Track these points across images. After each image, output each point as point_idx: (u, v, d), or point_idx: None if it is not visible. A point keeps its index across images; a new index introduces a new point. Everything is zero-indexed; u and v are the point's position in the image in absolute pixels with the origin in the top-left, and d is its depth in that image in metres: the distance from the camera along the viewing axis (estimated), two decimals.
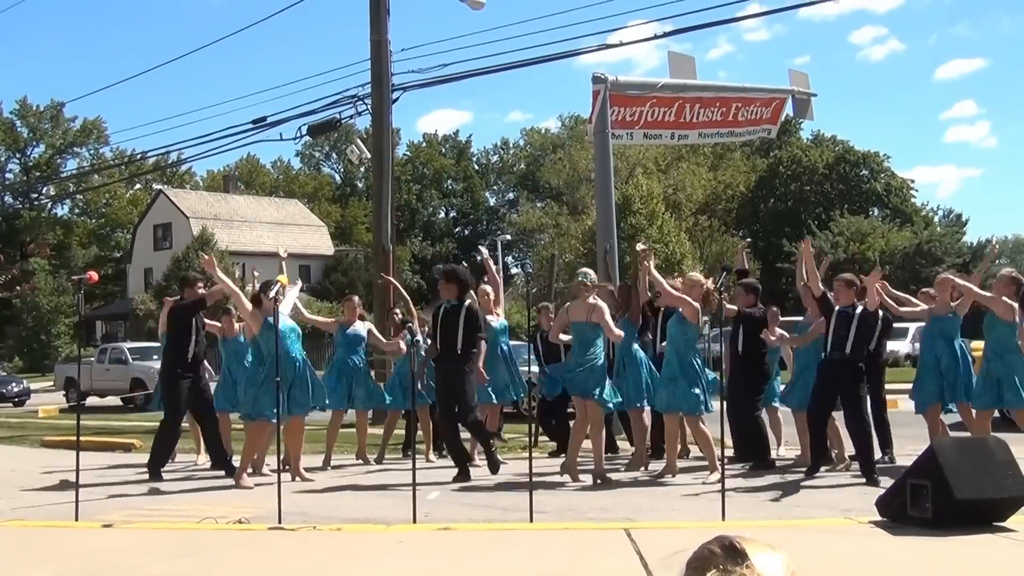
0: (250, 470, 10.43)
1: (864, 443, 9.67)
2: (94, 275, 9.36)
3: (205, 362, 11.54)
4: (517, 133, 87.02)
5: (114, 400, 25.91)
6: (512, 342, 13.17)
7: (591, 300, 9.86)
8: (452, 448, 10.65)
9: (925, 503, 7.04)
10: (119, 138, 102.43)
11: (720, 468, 8.34)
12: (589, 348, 9.84)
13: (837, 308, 9.82)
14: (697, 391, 10.00)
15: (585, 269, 10.80)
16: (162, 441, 11.10)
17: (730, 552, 1.63)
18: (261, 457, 10.93)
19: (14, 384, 32.08)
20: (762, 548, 1.63)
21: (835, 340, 9.73)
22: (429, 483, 9.84)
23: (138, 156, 45.94)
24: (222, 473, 10.88)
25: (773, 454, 11.10)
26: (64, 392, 28.69)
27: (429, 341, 10.92)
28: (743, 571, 1.57)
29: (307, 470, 10.72)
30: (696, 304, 10.05)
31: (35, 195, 69.45)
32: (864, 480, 9.52)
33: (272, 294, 8.74)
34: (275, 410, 9.19)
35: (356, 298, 12.60)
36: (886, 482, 8.58)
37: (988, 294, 10.08)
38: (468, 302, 10.50)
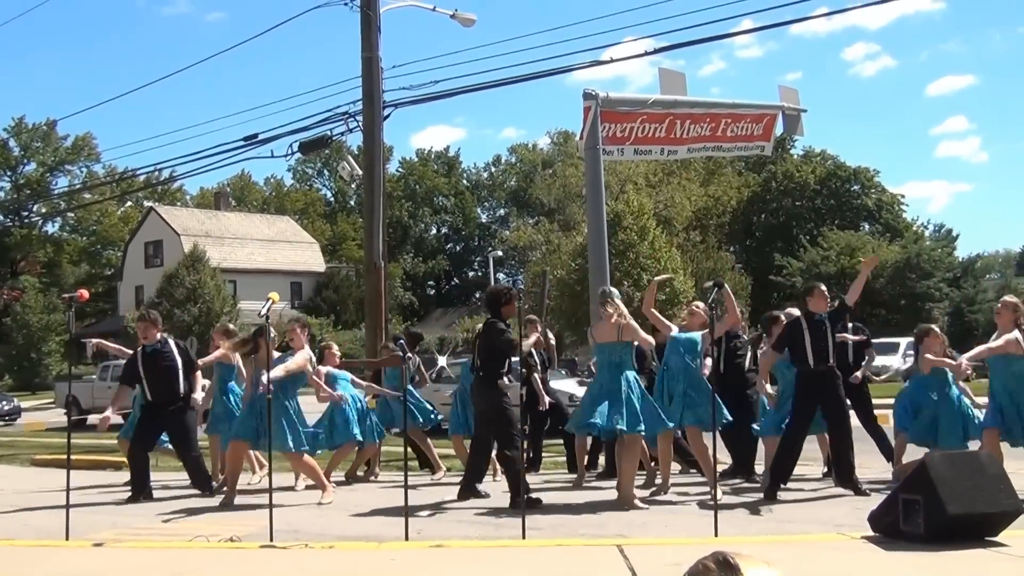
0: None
1: (848, 452, 9.71)
2: (85, 293, 9.35)
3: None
4: (510, 150, 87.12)
5: (116, 419, 25.73)
6: None
7: (615, 319, 9.51)
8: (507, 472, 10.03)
9: (917, 518, 7.04)
10: (110, 155, 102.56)
11: (713, 484, 8.34)
12: (619, 370, 9.46)
13: (815, 318, 9.80)
14: (701, 407, 9.97)
15: (609, 288, 10.72)
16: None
17: (724, 567, 1.64)
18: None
19: (4, 402, 32.01)
20: (757, 564, 1.64)
21: (817, 352, 9.71)
22: (422, 503, 9.85)
23: (129, 174, 45.92)
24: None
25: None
26: (66, 410, 28.45)
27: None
28: None
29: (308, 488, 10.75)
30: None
31: (26, 213, 69.32)
32: (852, 492, 9.56)
33: (263, 312, 8.72)
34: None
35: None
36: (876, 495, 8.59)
37: (998, 343, 9.63)
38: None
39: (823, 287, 10.20)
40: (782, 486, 9.83)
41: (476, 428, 10.42)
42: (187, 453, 11.17)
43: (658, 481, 10.44)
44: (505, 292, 10.19)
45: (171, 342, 11.27)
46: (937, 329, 10.99)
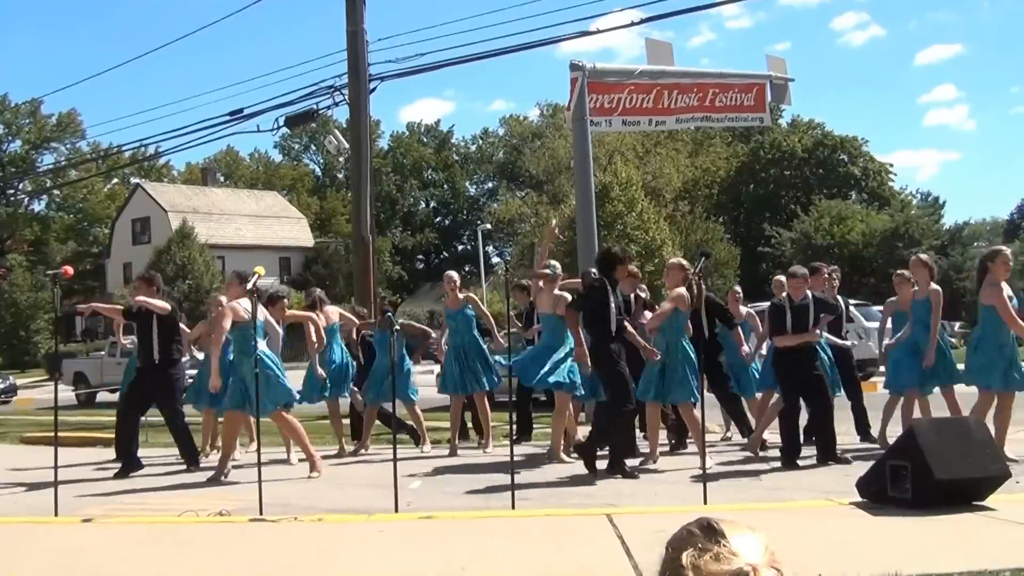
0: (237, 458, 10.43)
1: (827, 427, 9.82)
2: (69, 269, 9.30)
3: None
4: (500, 123, 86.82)
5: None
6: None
7: (556, 292, 10.29)
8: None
9: (905, 484, 7.07)
10: (95, 132, 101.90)
11: (702, 454, 8.36)
12: (558, 336, 10.16)
13: (797, 303, 9.80)
14: (690, 379, 9.98)
15: (552, 262, 10.84)
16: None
17: (708, 532, 1.64)
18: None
19: None
20: (740, 529, 1.65)
21: (797, 332, 9.73)
22: (411, 473, 9.86)
23: (115, 150, 45.68)
24: (204, 466, 10.88)
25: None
26: (73, 387, 28.28)
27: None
28: (719, 550, 1.58)
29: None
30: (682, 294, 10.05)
31: (11, 191, 68.95)
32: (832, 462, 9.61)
33: (249, 285, 8.69)
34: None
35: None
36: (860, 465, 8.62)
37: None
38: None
39: (803, 271, 10.24)
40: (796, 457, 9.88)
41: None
42: (171, 418, 11.17)
43: (645, 451, 10.47)
44: (620, 252, 10.27)
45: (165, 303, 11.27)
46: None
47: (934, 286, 10.37)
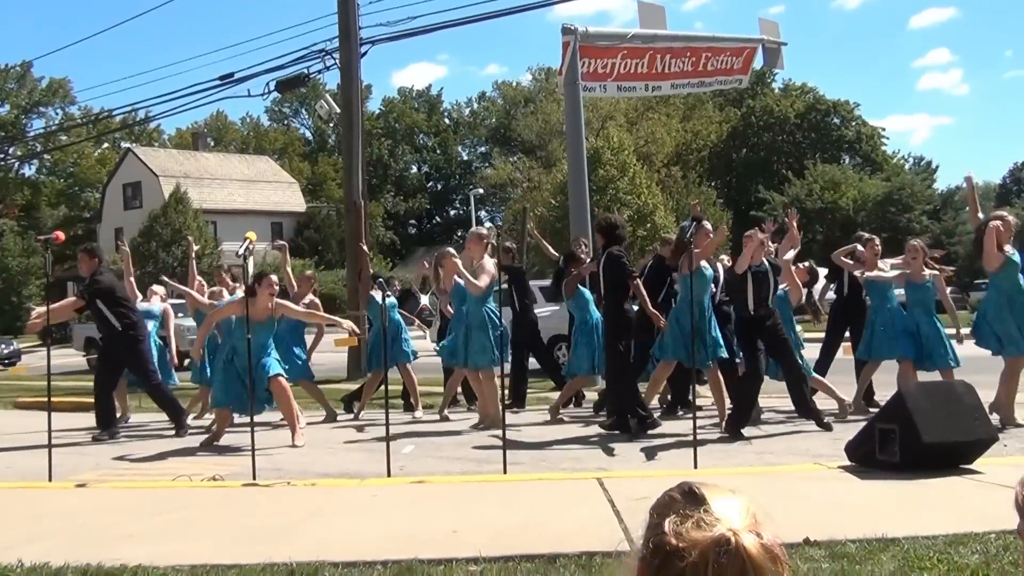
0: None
1: (801, 386, 9.86)
2: (60, 235, 9.28)
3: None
4: (492, 87, 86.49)
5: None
6: None
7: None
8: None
9: (893, 447, 7.13)
10: (85, 96, 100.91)
11: (693, 418, 8.40)
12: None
13: (753, 268, 9.78)
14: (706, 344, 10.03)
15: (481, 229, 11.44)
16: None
17: (689, 497, 1.66)
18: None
19: (3, 346, 31.60)
20: (722, 492, 1.67)
21: (758, 299, 9.72)
22: (403, 435, 9.91)
23: (105, 114, 45.38)
24: (196, 432, 10.92)
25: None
26: (84, 353, 28.08)
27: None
28: (700, 516, 1.59)
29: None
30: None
31: (1, 156, 68.52)
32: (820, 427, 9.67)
33: (240, 251, 8.68)
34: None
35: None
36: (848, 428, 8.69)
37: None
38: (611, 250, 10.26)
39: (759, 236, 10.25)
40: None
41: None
42: (147, 382, 11.23)
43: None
44: (621, 221, 10.64)
45: (105, 276, 11.26)
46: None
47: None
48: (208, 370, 11.70)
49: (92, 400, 11.65)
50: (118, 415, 11.76)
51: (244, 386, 9.37)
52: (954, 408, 7.26)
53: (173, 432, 11.10)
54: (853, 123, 67.10)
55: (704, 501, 1.63)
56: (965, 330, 10.45)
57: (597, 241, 10.30)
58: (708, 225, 10.45)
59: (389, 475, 7.81)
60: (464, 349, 10.87)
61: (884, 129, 68.99)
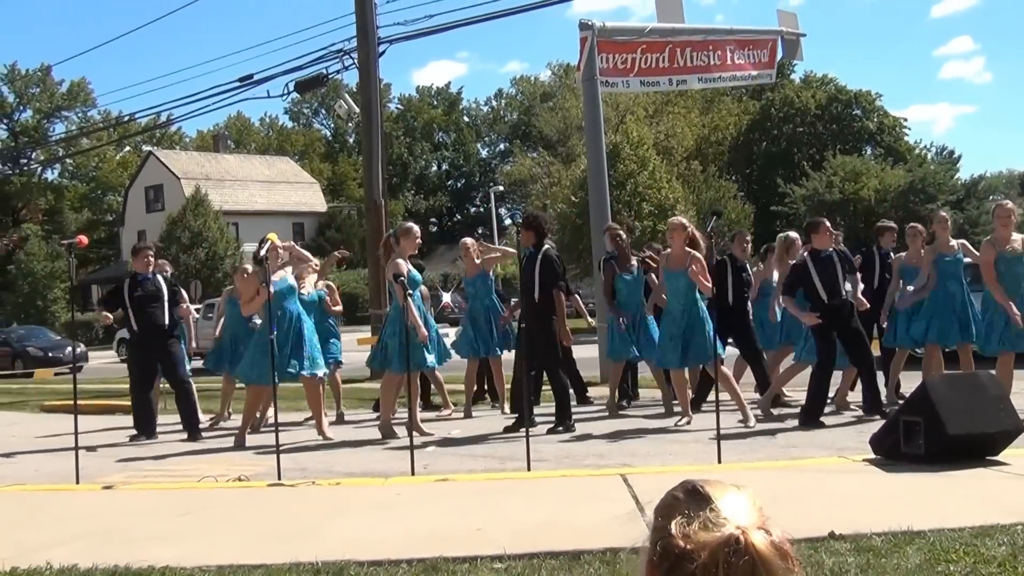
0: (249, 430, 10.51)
1: (872, 379, 9.88)
2: (83, 239, 9.35)
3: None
4: (511, 83, 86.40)
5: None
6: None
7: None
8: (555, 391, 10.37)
9: (918, 440, 7.09)
10: (106, 100, 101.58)
11: (717, 413, 8.38)
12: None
13: (821, 255, 9.80)
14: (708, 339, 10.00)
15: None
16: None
17: (694, 496, 1.62)
18: (263, 415, 10.99)
19: (71, 348, 31.32)
20: (727, 489, 1.62)
21: (828, 287, 9.70)
22: (427, 433, 9.93)
23: (126, 118, 45.61)
24: (221, 434, 10.99)
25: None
26: (121, 358, 28.09)
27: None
28: (707, 516, 1.56)
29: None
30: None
31: (24, 160, 68.96)
32: (856, 420, 9.64)
33: (261, 253, 8.71)
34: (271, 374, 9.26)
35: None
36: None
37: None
38: (545, 248, 10.27)
39: (827, 223, 10.22)
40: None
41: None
42: (176, 381, 11.24)
43: (678, 410, 10.56)
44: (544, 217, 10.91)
45: (160, 275, 11.30)
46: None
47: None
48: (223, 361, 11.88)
49: (118, 403, 11.72)
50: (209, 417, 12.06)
51: (273, 361, 9.30)
52: (979, 399, 7.22)
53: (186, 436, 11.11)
54: (875, 114, 66.58)
55: (709, 500, 1.59)
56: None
57: (524, 239, 9.90)
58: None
59: (413, 473, 7.83)
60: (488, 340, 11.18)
61: (906, 119, 68.42)
